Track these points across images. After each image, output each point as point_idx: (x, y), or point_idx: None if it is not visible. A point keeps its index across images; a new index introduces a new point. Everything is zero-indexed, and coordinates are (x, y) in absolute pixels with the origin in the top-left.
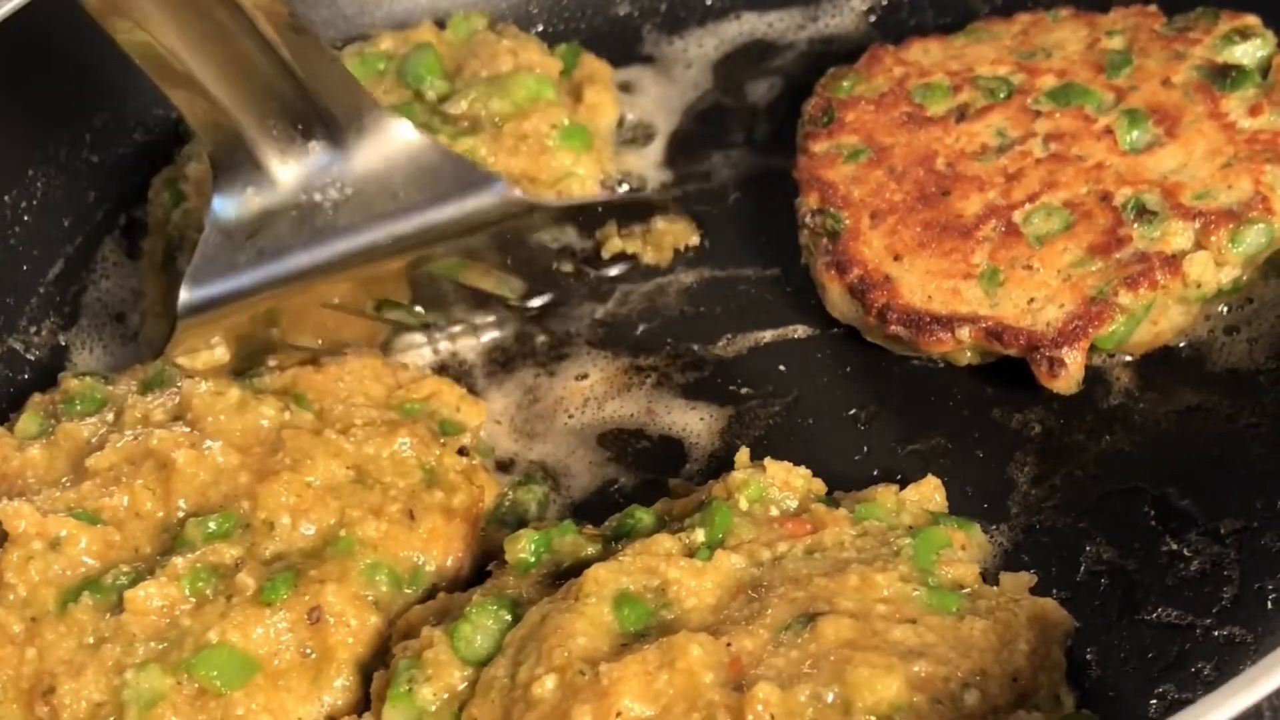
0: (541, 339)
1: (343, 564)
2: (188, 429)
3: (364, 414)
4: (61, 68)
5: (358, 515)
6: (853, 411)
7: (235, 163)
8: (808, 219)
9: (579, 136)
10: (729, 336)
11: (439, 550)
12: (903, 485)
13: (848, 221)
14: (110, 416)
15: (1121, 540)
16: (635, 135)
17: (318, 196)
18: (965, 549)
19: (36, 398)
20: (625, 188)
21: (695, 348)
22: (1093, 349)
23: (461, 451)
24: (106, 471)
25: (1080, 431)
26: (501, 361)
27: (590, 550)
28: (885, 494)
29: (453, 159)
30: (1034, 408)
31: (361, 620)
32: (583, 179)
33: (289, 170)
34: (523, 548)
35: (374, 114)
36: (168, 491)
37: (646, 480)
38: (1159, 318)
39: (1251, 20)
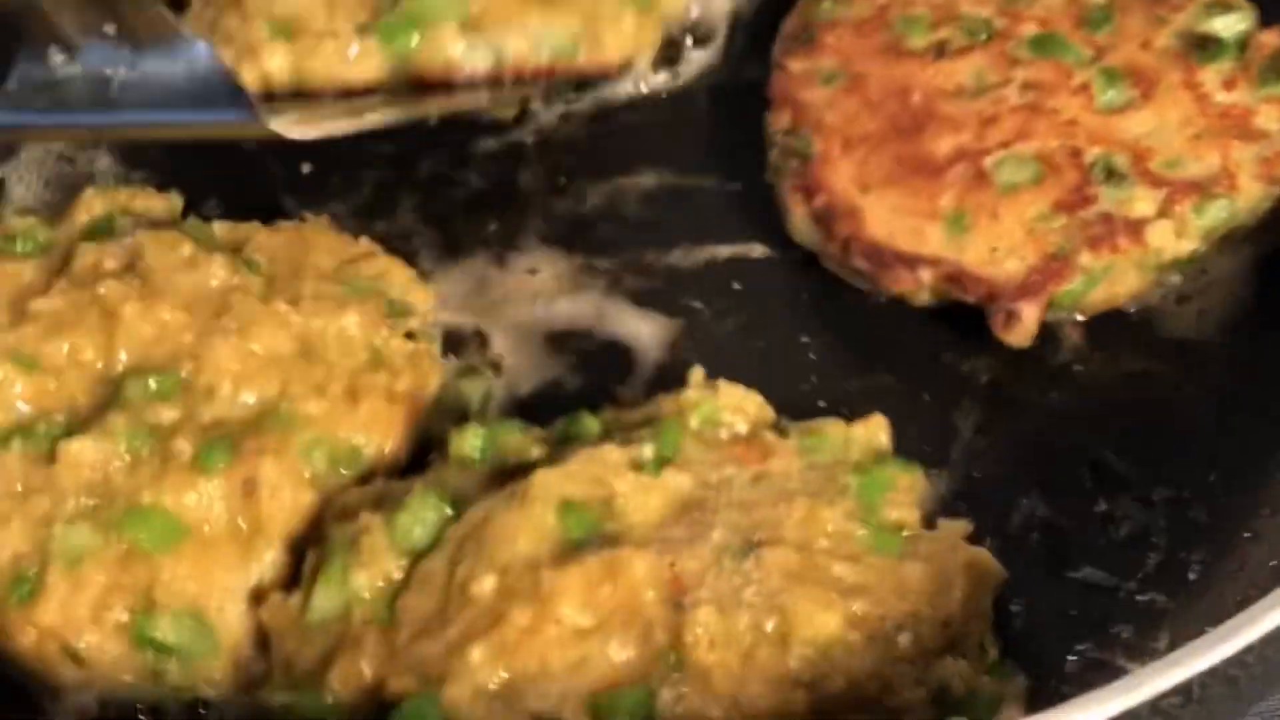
0: (494, 226)
1: (281, 437)
2: (137, 280)
3: (313, 287)
4: None
5: (300, 390)
6: (804, 339)
7: (40, 27)
8: (778, 138)
9: None
10: (685, 247)
11: (378, 433)
12: (849, 420)
13: (819, 146)
14: (58, 262)
15: (1056, 497)
16: None
17: (108, 70)
18: (909, 491)
19: None
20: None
21: (649, 256)
22: (1048, 304)
23: (409, 335)
24: (49, 316)
25: (1027, 385)
26: (451, 246)
27: (535, 452)
28: (834, 429)
29: (230, 80)
30: (984, 356)
31: (296, 496)
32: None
33: (88, 42)
34: (469, 443)
35: (170, 24)
36: (110, 343)
37: (592, 384)
38: (1116, 280)
39: None
